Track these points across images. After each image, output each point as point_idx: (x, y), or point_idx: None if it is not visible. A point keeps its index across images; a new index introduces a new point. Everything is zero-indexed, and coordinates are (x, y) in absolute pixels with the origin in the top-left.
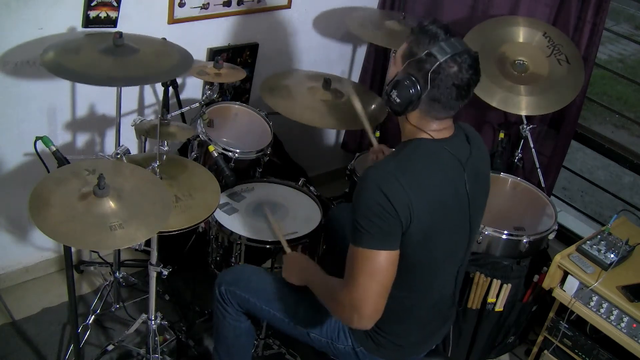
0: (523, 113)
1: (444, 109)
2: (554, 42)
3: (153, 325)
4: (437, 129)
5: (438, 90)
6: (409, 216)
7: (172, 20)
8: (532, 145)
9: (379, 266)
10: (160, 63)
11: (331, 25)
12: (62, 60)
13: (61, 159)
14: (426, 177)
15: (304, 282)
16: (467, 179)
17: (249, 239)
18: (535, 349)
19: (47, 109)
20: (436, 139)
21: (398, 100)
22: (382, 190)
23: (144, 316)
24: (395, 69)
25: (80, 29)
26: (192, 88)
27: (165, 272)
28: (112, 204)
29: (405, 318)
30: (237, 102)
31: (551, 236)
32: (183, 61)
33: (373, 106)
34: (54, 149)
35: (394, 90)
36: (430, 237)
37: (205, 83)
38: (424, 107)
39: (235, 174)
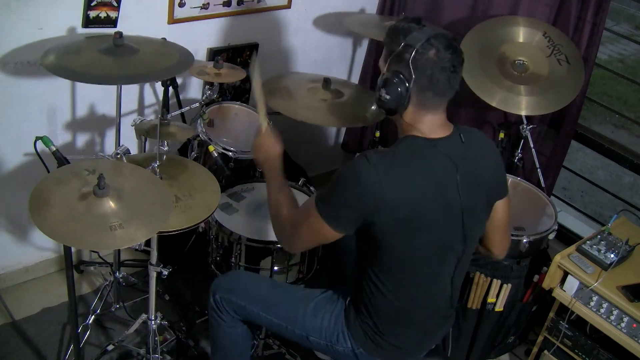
0: (523, 113)
1: (436, 95)
2: (554, 42)
3: (153, 325)
4: (432, 125)
5: (424, 76)
6: (375, 207)
7: (172, 20)
8: (532, 145)
9: (320, 231)
10: (161, 62)
11: (331, 25)
12: (62, 62)
13: (61, 159)
14: (408, 173)
15: (263, 172)
16: (459, 181)
17: (249, 239)
18: (535, 349)
19: (47, 109)
20: (429, 138)
21: (388, 97)
22: (359, 178)
23: (144, 316)
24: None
25: (80, 28)
26: (192, 88)
27: (165, 272)
28: (112, 204)
29: (403, 319)
30: (237, 102)
31: (551, 236)
32: (183, 59)
33: (373, 107)
34: (54, 149)
35: (382, 90)
36: (411, 231)
37: (205, 83)
38: (416, 99)
39: (235, 174)
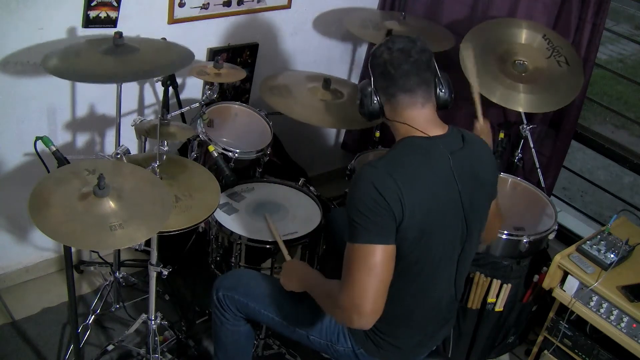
0: (522, 110)
1: (401, 90)
2: (553, 44)
3: (153, 325)
4: (422, 121)
5: (380, 76)
6: (402, 211)
7: (172, 20)
8: (532, 145)
9: (376, 261)
10: (161, 59)
11: (331, 25)
12: (63, 63)
13: (61, 159)
14: (417, 174)
15: (303, 288)
16: (457, 177)
17: (249, 239)
18: (535, 349)
19: (47, 109)
20: (428, 137)
21: (358, 102)
22: (375, 186)
23: (144, 316)
24: None
25: (80, 28)
26: (192, 88)
27: (165, 272)
28: (112, 204)
29: (405, 320)
30: (237, 102)
31: (551, 236)
32: (184, 57)
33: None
34: (54, 149)
35: (357, 101)
36: (425, 234)
37: (205, 83)
38: (384, 98)
39: (235, 174)
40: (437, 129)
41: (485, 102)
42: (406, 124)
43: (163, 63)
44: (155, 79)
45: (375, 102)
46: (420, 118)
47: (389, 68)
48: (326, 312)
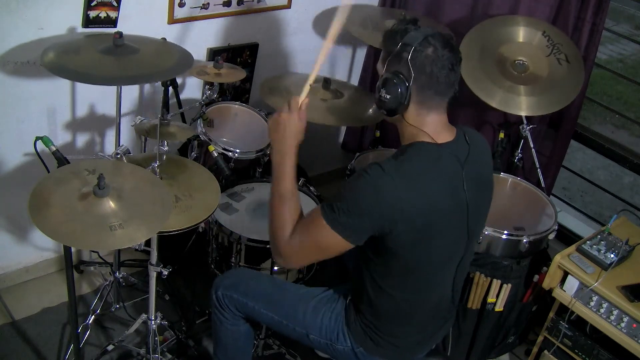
0: (523, 114)
1: (437, 94)
2: (553, 41)
3: (153, 325)
4: (436, 127)
5: (423, 74)
6: (395, 217)
7: (172, 20)
8: (532, 145)
9: (330, 245)
10: (161, 62)
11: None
12: (62, 61)
13: (61, 159)
14: (424, 180)
15: (276, 158)
16: (465, 183)
17: (249, 239)
18: (535, 349)
19: (47, 109)
20: (438, 143)
21: (388, 96)
22: (375, 187)
23: (144, 316)
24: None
25: (80, 28)
26: (192, 88)
27: (165, 272)
28: (112, 204)
29: (404, 319)
30: (237, 102)
31: (551, 236)
32: (183, 60)
33: (371, 110)
34: (54, 149)
35: (382, 89)
36: (426, 238)
37: (205, 83)
38: (416, 98)
39: (235, 174)
40: (447, 134)
41: (484, 103)
42: (421, 129)
43: (162, 67)
44: None
45: (408, 100)
46: (439, 122)
47: (435, 68)
48: (268, 221)
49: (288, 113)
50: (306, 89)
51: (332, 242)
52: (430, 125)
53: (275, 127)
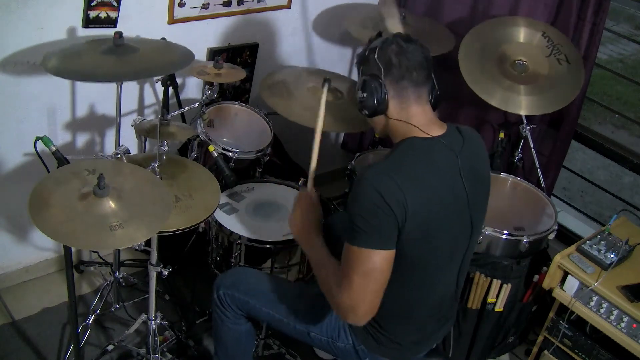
0: (523, 113)
1: (412, 84)
2: (553, 41)
3: (153, 325)
4: (424, 120)
5: (392, 66)
6: (404, 214)
7: (172, 20)
8: (532, 145)
9: (374, 265)
10: (161, 59)
11: (331, 25)
12: (64, 63)
13: (61, 159)
14: (421, 175)
15: (303, 247)
16: (463, 175)
17: (249, 239)
18: (535, 349)
19: (47, 109)
20: (430, 137)
21: (365, 94)
22: (377, 190)
23: (144, 316)
24: None
25: (80, 29)
26: (192, 88)
27: (165, 272)
28: (112, 204)
29: (406, 317)
30: (237, 102)
31: (551, 236)
32: (184, 56)
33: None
34: (54, 149)
35: (359, 91)
36: (429, 234)
37: (205, 83)
38: (393, 92)
39: (235, 174)
40: (438, 128)
41: (484, 103)
42: (409, 123)
43: (163, 63)
44: (155, 78)
45: (384, 94)
46: (424, 115)
47: (402, 59)
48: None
49: (300, 212)
50: (311, 178)
51: (376, 261)
52: (416, 117)
53: (293, 226)
